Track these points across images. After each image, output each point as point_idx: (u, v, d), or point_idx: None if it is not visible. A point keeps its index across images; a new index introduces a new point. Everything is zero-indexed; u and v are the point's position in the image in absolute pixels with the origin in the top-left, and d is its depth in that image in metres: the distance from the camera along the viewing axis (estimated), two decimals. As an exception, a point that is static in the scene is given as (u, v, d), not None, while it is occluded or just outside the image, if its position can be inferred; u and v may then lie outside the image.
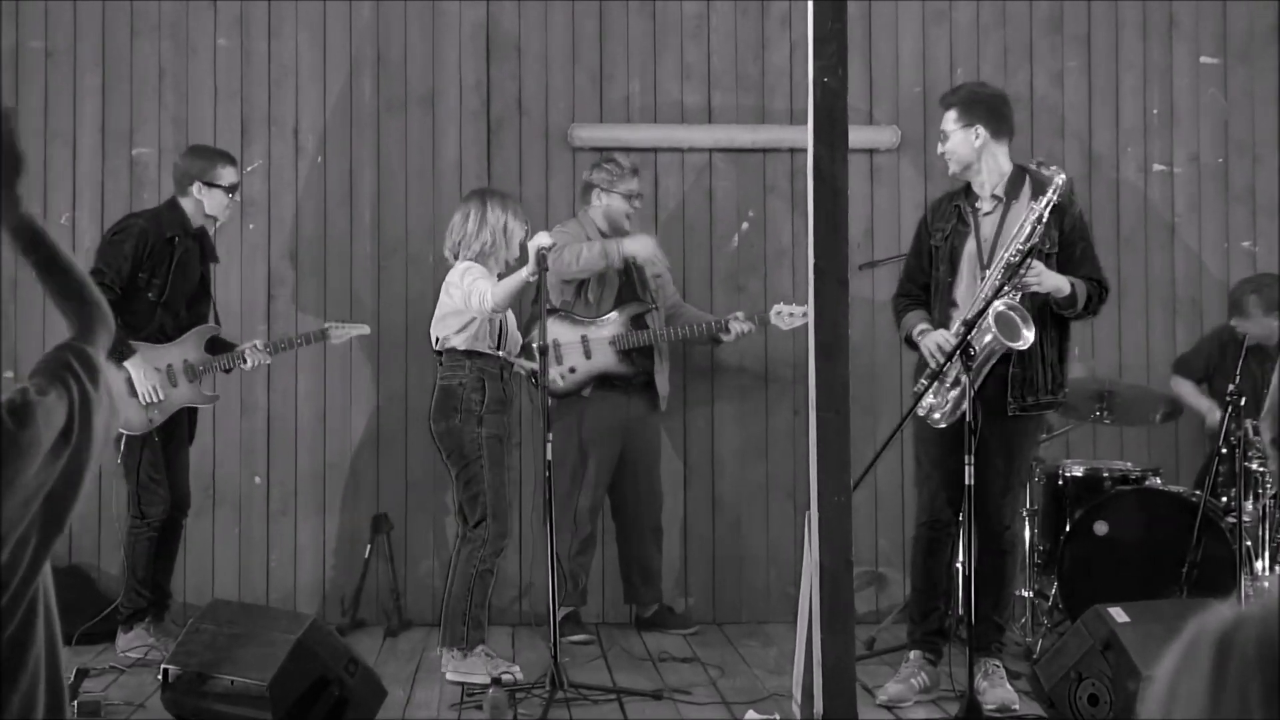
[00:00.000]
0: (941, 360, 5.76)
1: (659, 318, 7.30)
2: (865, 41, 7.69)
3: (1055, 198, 5.85)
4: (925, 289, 6.18)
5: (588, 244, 7.09)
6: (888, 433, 5.67)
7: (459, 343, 6.24)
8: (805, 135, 4.49)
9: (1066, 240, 5.95)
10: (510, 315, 6.34)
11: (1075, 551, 6.64)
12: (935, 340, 5.92)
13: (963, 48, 7.80)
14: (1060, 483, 6.88)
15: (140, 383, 6.60)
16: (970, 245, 6.05)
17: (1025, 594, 6.77)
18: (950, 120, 6.11)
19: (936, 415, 5.92)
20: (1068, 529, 6.68)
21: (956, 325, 5.94)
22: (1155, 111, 7.87)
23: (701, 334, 7.25)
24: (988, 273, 5.92)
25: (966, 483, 5.44)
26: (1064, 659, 5.47)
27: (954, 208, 6.14)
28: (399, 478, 7.64)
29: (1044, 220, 5.86)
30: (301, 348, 7.09)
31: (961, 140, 6.09)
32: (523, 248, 6.27)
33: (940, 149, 6.15)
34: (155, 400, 6.62)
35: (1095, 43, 7.85)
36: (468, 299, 6.16)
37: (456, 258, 6.35)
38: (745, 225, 7.77)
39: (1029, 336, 5.73)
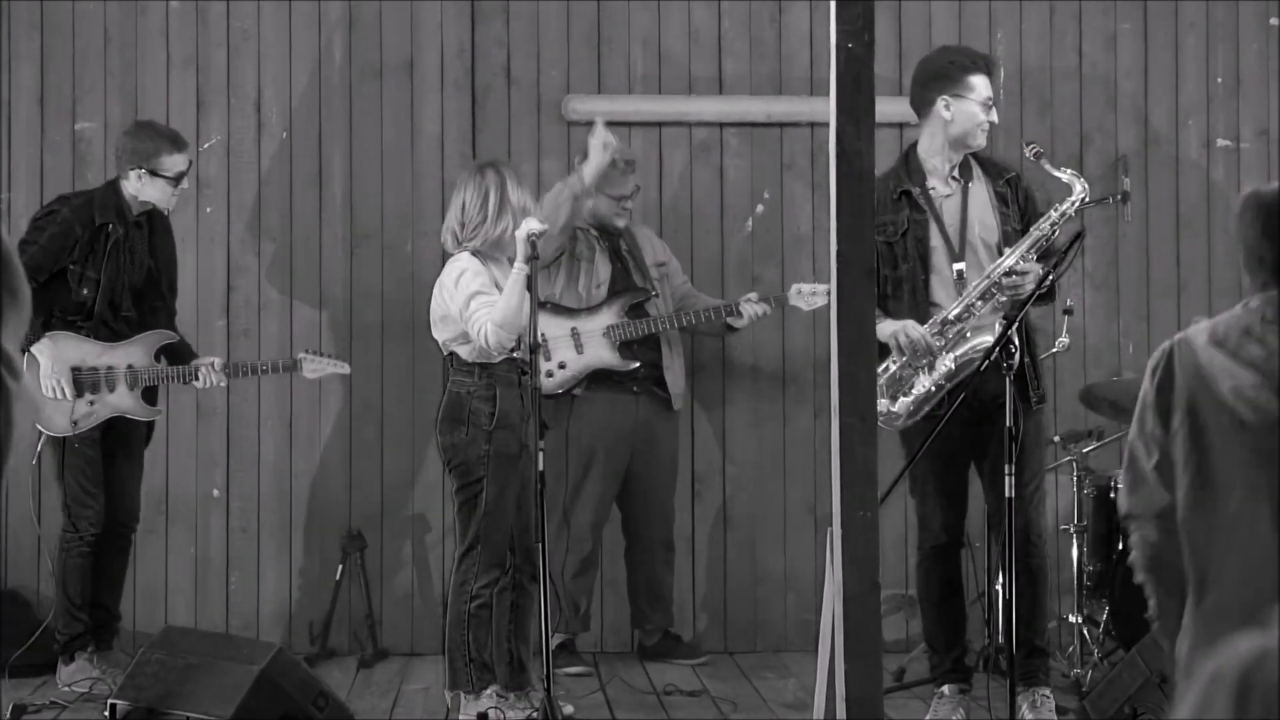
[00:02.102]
0: (982, 360, 5.76)
1: (662, 306, 7.30)
2: (894, 2, 7.68)
3: (1080, 203, 5.93)
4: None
5: (550, 194, 7.08)
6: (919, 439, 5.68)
7: (466, 354, 6.14)
8: (827, 107, 4.49)
9: (1025, 216, 6.08)
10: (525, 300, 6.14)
11: (1129, 573, 6.62)
12: (903, 331, 5.95)
13: (1003, 8, 7.80)
14: (1112, 495, 6.88)
15: (45, 376, 6.55)
16: (937, 237, 6.05)
17: (1073, 620, 6.78)
18: (993, 89, 6.15)
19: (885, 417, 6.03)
20: (1120, 547, 6.68)
21: (938, 321, 5.98)
22: (1219, 80, 7.87)
23: (710, 320, 7.24)
24: (958, 268, 5.99)
25: (1007, 495, 5.43)
26: (1116, 692, 5.48)
27: (901, 194, 6.12)
28: (373, 491, 7.64)
29: (1056, 227, 5.94)
30: (266, 375, 7.02)
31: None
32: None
33: (994, 119, 6.13)
34: (58, 397, 6.56)
35: (1152, 2, 7.84)
36: (468, 325, 6.02)
37: (459, 243, 6.23)
38: (760, 208, 7.77)
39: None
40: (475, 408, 6.07)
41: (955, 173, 6.13)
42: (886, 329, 5.96)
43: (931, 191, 6.11)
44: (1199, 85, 7.87)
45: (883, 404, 6.02)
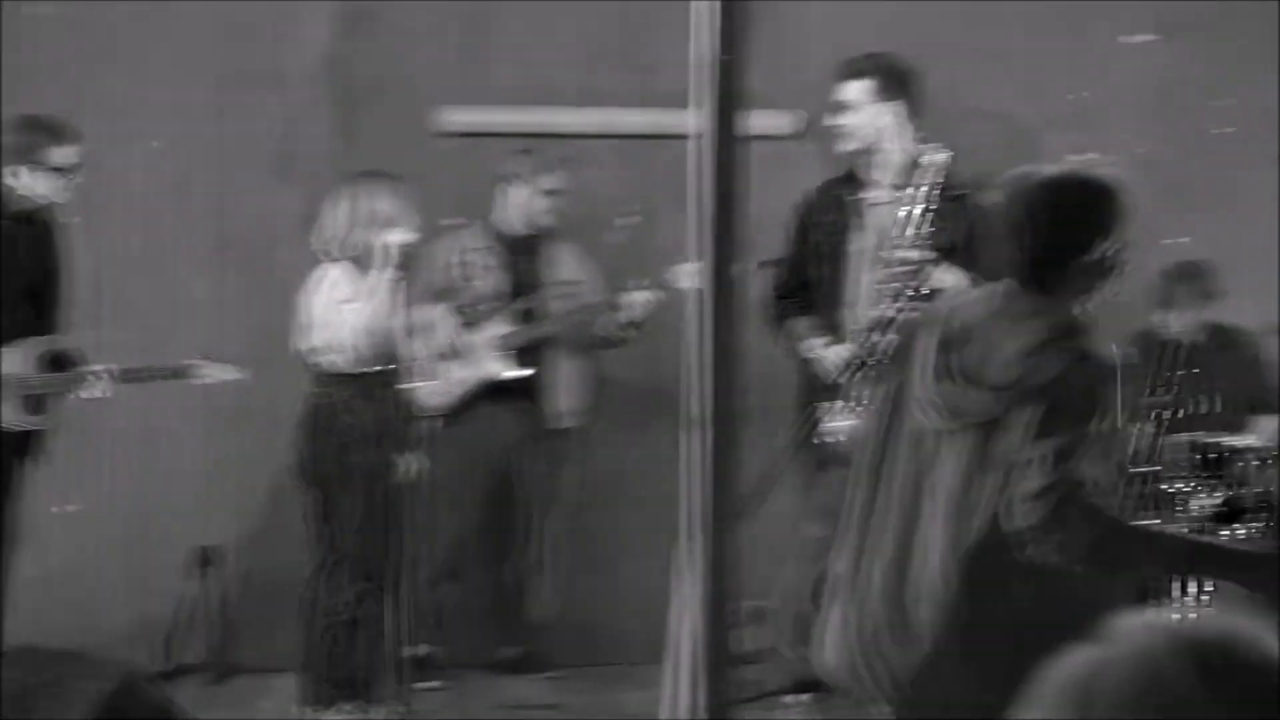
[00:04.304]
0: (839, 376, 5.78)
1: (556, 308, 7.24)
2: (766, 15, 7.69)
3: (938, 179, 5.92)
4: (804, 287, 6.23)
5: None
6: (780, 451, 5.69)
7: (326, 364, 6.08)
8: (698, 120, 4.48)
9: (969, 234, 6.00)
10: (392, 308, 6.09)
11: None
12: (839, 356, 5.96)
13: (874, 24, 7.84)
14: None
15: None
16: (860, 241, 6.10)
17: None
18: (865, 91, 6.15)
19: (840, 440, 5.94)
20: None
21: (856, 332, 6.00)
22: (1085, 94, 7.97)
23: (598, 313, 7.16)
24: (882, 273, 5.99)
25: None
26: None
27: (836, 198, 6.18)
28: (229, 503, 7.52)
29: (933, 208, 5.91)
30: (154, 381, 6.80)
31: (874, 117, 6.14)
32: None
33: (838, 121, 6.18)
34: None
35: (1019, 18, 7.92)
36: (335, 333, 5.96)
37: (329, 254, 6.14)
38: (631, 220, 7.76)
39: None
40: (333, 420, 6.00)
41: (898, 179, 6.15)
42: (832, 356, 6.01)
43: (867, 197, 6.15)
44: (1062, 99, 7.94)
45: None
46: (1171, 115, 7.99)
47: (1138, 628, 1.50)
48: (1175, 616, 1.49)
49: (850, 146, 6.20)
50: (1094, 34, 7.97)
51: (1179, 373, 6.96)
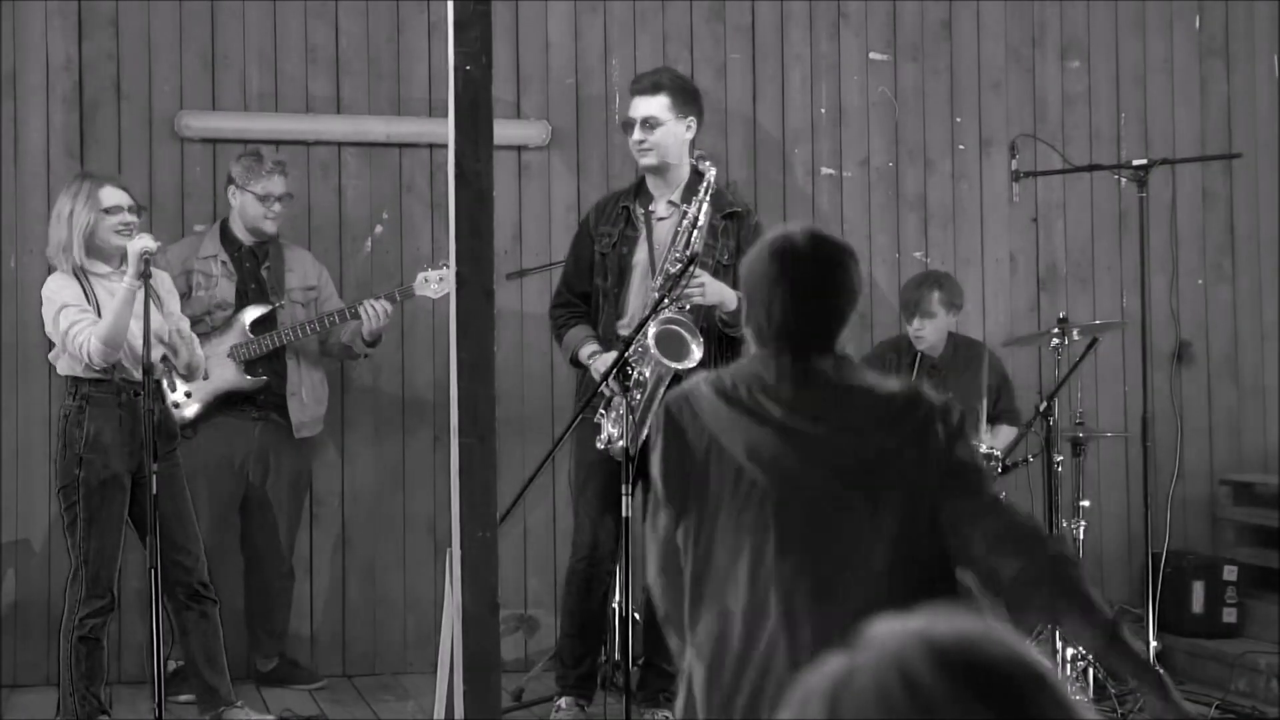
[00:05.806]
0: (598, 383, 5.79)
1: (292, 316, 7.11)
2: (511, 26, 7.71)
3: (707, 197, 5.98)
4: (585, 298, 6.22)
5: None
6: (538, 460, 5.68)
7: (61, 368, 5.92)
8: (446, 129, 4.46)
9: (742, 251, 6.08)
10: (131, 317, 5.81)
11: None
12: (606, 365, 5.96)
13: (618, 36, 7.89)
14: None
15: None
16: (641, 253, 6.12)
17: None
18: (663, 107, 6.17)
19: (617, 446, 5.89)
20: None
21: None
22: (823, 110, 8.11)
23: (334, 324, 7.02)
24: (651, 285, 6.01)
25: (624, 515, 5.48)
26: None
27: (622, 210, 6.19)
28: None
29: (699, 224, 5.98)
30: None
31: (674, 132, 6.16)
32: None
33: (639, 137, 6.17)
34: None
35: (760, 34, 8.04)
36: (66, 339, 5.80)
37: (59, 263, 5.98)
38: (379, 228, 7.70)
39: (696, 353, 5.81)
40: (70, 431, 5.86)
41: (677, 197, 6.15)
42: (584, 354, 6.01)
43: (652, 210, 6.15)
44: (804, 115, 8.09)
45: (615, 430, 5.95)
46: (905, 131, 8.15)
47: (886, 633, 1.53)
48: (922, 622, 1.53)
49: (650, 161, 6.19)
50: (846, 48, 8.10)
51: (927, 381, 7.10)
